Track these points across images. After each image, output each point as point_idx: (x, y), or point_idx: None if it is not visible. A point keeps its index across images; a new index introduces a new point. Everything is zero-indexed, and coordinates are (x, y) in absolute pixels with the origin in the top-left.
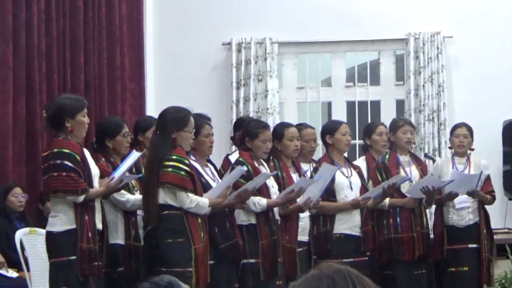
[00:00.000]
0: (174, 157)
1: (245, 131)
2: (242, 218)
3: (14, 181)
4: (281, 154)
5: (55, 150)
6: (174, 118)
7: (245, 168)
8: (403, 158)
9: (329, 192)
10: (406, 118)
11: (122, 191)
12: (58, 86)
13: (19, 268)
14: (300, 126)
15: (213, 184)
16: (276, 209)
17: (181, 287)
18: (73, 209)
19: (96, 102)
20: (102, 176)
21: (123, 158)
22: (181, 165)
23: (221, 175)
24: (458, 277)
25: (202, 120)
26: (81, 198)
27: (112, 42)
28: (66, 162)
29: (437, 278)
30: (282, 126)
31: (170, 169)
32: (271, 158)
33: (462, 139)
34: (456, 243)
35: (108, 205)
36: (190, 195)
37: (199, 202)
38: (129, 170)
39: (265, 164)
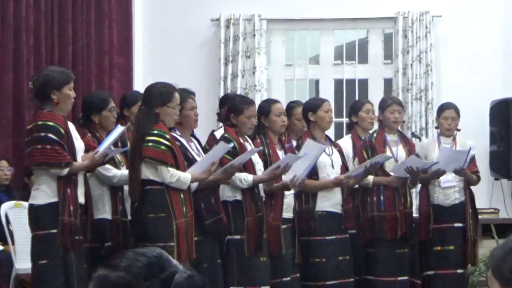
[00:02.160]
0: (155, 131)
1: (230, 107)
2: (227, 194)
3: (0, 154)
4: (268, 131)
5: (39, 122)
6: (159, 93)
7: (231, 144)
8: (391, 138)
9: (312, 171)
10: (395, 97)
11: (109, 166)
12: (46, 60)
13: (3, 242)
14: (293, 104)
15: (198, 159)
16: (261, 186)
17: (171, 262)
18: (56, 183)
19: (83, 76)
20: (88, 151)
21: (110, 133)
22: (161, 140)
23: (206, 151)
24: (444, 256)
25: (185, 94)
26: (65, 171)
27: (101, 16)
28: (50, 135)
29: (422, 257)
30: (269, 102)
31: (150, 144)
32: (256, 135)
33: (450, 122)
34: (442, 222)
35: (95, 180)
36: (171, 169)
37: (180, 177)
38: (114, 144)
39: (250, 141)
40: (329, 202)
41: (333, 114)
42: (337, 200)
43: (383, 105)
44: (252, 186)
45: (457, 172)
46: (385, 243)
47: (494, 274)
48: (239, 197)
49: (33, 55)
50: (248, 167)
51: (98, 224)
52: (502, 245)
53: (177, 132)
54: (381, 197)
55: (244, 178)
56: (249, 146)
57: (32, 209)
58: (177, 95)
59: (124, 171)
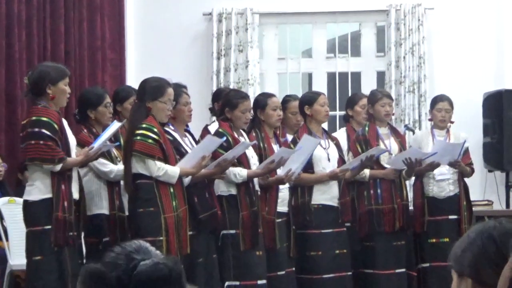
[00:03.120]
0: (143, 125)
1: (225, 101)
2: (222, 188)
3: None
4: (264, 124)
5: (33, 118)
6: (151, 87)
7: (223, 138)
8: (382, 131)
9: (307, 164)
10: (384, 90)
11: (105, 161)
12: (38, 55)
13: None
14: (288, 98)
15: None
16: (256, 180)
17: (150, 252)
18: (50, 178)
19: (76, 71)
20: (83, 146)
21: (105, 128)
22: (149, 133)
23: None
24: (438, 248)
25: (179, 89)
26: (58, 167)
27: (93, 11)
28: (44, 131)
29: (417, 250)
30: (265, 96)
31: (139, 137)
32: (252, 129)
33: (444, 114)
34: (437, 214)
35: (92, 176)
36: (158, 163)
37: (168, 171)
38: (109, 139)
39: (245, 135)
40: (325, 195)
41: (328, 108)
42: (334, 193)
43: (373, 99)
44: (247, 180)
45: (451, 164)
46: (383, 236)
47: (454, 267)
48: (234, 191)
49: (26, 50)
50: (243, 161)
51: (96, 219)
52: (460, 241)
53: (171, 126)
54: (378, 190)
55: (239, 172)
56: (243, 140)
57: (27, 205)
58: (170, 90)
59: (120, 166)
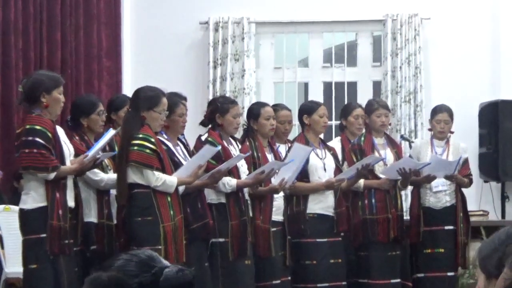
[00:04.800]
0: (140, 135)
1: (215, 107)
2: (211, 197)
3: None
4: (257, 134)
5: (27, 126)
6: (146, 97)
7: (218, 147)
8: (378, 141)
9: (303, 173)
10: (381, 101)
11: (96, 170)
12: (35, 63)
13: None
14: (276, 107)
15: (184, 163)
16: (246, 189)
17: (162, 262)
18: (44, 187)
19: (72, 79)
20: (77, 154)
21: (98, 136)
22: (146, 143)
23: (192, 155)
24: (434, 258)
25: (177, 99)
26: (52, 175)
27: (89, 19)
28: (37, 139)
29: (413, 260)
30: (258, 106)
31: (136, 148)
32: (246, 138)
33: (443, 125)
34: (433, 224)
35: (81, 184)
36: (156, 173)
37: (166, 181)
38: (103, 148)
39: (234, 143)
40: (321, 204)
41: (327, 119)
42: (330, 203)
43: (369, 109)
44: (236, 190)
45: (447, 178)
46: (378, 246)
47: (481, 268)
48: (223, 200)
49: (22, 58)
50: (232, 170)
51: (84, 227)
52: (489, 241)
53: (164, 135)
54: (373, 200)
55: (228, 182)
56: (233, 149)
57: (22, 213)
58: (165, 100)
59: (111, 175)
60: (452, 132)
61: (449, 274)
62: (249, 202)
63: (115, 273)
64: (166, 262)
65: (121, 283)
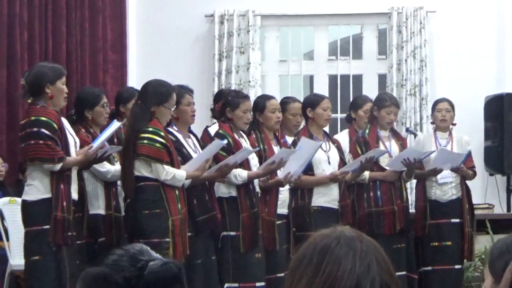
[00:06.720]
0: (150, 129)
1: (226, 101)
2: (222, 190)
3: None
4: (263, 127)
5: (33, 118)
6: (156, 92)
7: (224, 141)
8: (383, 133)
9: (307, 167)
10: (393, 97)
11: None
12: (40, 56)
13: None
14: (287, 99)
15: (194, 155)
16: (256, 182)
17: (152, 255)
18: (49, 178)
19: (77, 72)
20: (82, 146)
21: (102, 128)
22: (156, 137)
23: (200, 147)
24: (441, 251)
25: (182, 90)
26: (58, 166)
27: (95, 12)
28: (43, 130)
29: (419, 253)
30: (264, 98)
31: (145, 141)
32: (252, 130)
33: (444, 113)
34: (439, 217)
35: (89, 176)
36: (166, 167)
37: (175, 175)
38: (110, 140)
39: (245, 136)
40: (325, 197)
41: (331, 112)
42: (334, 196)
43: (380, 104)
44: (247, 182)
45: (453, 170)
46: (383, 238)
47: (490, 269)
48: (234, 193)
49: (27, 51)
50: (243, 162)
51: (92, 219)
52: (500, 243)
53: (174, 127)
54: (378, 192)
55: (239, 174)
56: (244, 142)
57: (25, 205)
58: (174, 96)
59: (118, 167)
60: (454, 124)
61: (457, 267)
62: (259, 194)
63: (103, 268)
64: (155, 255)
65: (107, 278)
